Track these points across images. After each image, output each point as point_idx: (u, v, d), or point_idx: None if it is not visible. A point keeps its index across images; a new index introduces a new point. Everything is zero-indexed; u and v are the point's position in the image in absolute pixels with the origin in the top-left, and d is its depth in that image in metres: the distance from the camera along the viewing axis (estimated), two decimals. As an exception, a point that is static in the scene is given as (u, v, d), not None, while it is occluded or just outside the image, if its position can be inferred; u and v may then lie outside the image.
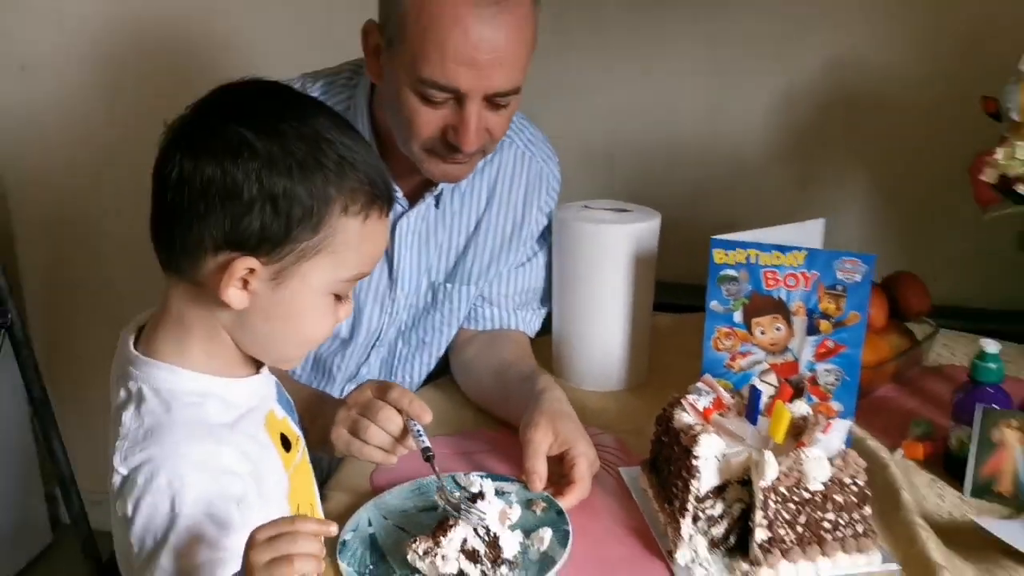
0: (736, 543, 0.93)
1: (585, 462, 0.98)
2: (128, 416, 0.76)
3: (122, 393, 0.78)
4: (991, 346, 1.03)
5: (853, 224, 1.63)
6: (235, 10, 1.80)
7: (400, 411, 0.93)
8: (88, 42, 1.89)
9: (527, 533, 0.91)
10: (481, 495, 0.88)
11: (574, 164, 1.68)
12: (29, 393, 1.17)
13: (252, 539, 0.66)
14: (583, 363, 1.27)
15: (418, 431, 0.94)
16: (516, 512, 0.91)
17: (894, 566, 0.91)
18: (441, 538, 0.86)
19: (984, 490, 1.02)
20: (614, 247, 1.21)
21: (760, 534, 0.89)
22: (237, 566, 0.68)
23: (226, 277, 0.75)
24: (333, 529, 0.69)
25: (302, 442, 0.88)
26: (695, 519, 0.92)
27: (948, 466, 1.07)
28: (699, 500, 0.91)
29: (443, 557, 0.85)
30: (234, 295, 0.76)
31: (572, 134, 1.69)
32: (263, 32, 1.80)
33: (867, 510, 0.91)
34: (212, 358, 0.80)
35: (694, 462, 0.91)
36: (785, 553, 0.89)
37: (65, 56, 1.91)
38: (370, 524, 0.95)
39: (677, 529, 0.92)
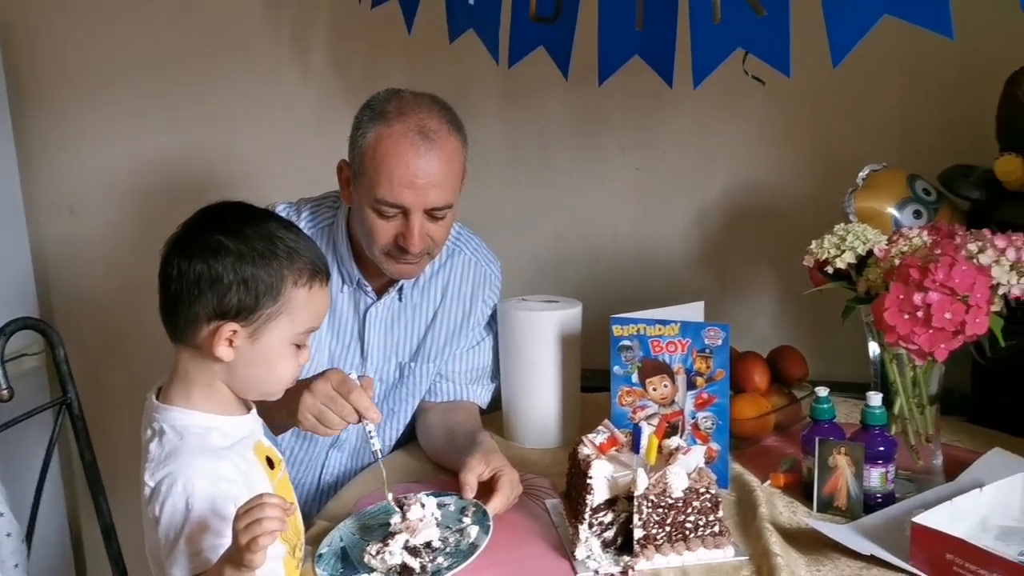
0: (623, 543, 1.20)
1: (507, 479, 1.26)
2: (153, 445, 1.05)
3: (148, 431, 1.07)
4: (823, 391, 1.33)
5: (756, 310, 1.95)
6: (249, 154, 2.19)
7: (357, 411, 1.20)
8: (125, 186, 2.27)
9: (460, 532, 1.19)
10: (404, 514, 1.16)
11: (529, 269, 2.03)
12: (82, 458, 1.48)
13: (236, 513, 0.94)
14: (525, 425, 1.57)
15: (369, 432, 1.22)
16: (430, 527, 1.17)
17: (744, 558, 1.18)
18: (390, 541, 1.15)
19: (827, 505, 1.29)
20: (543, 330, 1.53)
21: (638, 533, 1.17)
22: None
23: (217, 339, 1.05)
24: (286, 505, 0.95)
25: (284, 463, 1.17)
26: (590, 525, 1.20)
27: (806, 492, 1.34)
28: (593, 511, 1.20)
29: (390, 553, 1.13)
30: (223, 351, 1.06)
31: (525, 245, 2.05)
32: (272, 167, 2.18)
33: (720, 514, 1.19)
34: (211, 402, 1.09)
35: (589, 481, 1.20)
36: (658, 548, 1.17)
37: (107, 198, 2.29)
38: (341, 540, 1.23)
39: (577, 533, 1.20)
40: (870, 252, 1.29)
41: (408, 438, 1.62)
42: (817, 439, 1.29)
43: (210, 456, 1.05)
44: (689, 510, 1.17)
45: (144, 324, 2.30)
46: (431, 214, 1.38)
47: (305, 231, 1.19)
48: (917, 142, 1.80)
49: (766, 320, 1.95)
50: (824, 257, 1.30)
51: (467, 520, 1.22)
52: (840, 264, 1.30)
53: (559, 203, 2.05)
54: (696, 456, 1.20)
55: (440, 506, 1.22)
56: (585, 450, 1.26)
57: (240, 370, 1.08)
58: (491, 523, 1.20)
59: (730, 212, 1.96)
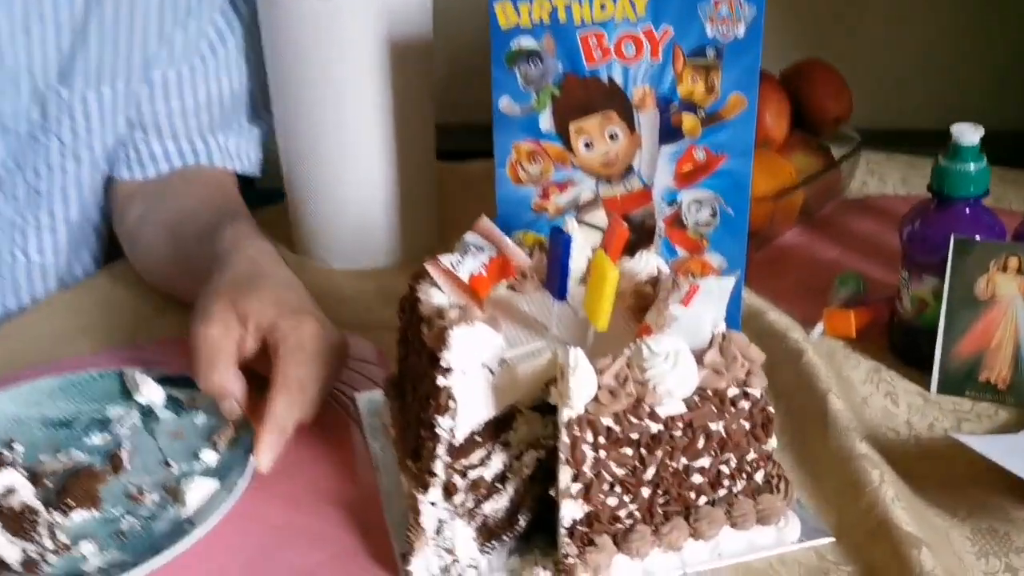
0: (531, 527, 0.49)
1: (290, 357, 0.56)
2: None
3: None
4: (968, 134, 0.59)
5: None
6: None
7: None
8: None
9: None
10: None
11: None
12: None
13: None
14: (329, 227, 0.80)
15: None
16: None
17: (823, 540, 0.49)
18: None
19: (964, 381, 0.60)
20: (360, 32, 0.73)
21: (569, 510, 0.45)
22: None
23: None
24: None
25: None
26: (448, 491, 0.47)
27: (899, 344, 0.65)
28: (453, 454, 0.47)
29: None
30: None
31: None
32: None
33: (772, 443, 0.48)
34: None
35: (443, 380, 0.46)
36: (621, 543, 0.46)
37: None
38: None
39: (418, 513, 0.48)
40: None
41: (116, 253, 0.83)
42: (953, 237, 0.58)
43: None
44: (700, 444, 0.46)
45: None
46: None
47: None
48: None
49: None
50: None
51: (205, 457, 0.56)
52: None
53: None
54: (714, 306, 0.48)
55: (174, 401, 0.61)
56: (437, 297, 0.51)
57: None
58: (241, 482, 0.52)
59: None
